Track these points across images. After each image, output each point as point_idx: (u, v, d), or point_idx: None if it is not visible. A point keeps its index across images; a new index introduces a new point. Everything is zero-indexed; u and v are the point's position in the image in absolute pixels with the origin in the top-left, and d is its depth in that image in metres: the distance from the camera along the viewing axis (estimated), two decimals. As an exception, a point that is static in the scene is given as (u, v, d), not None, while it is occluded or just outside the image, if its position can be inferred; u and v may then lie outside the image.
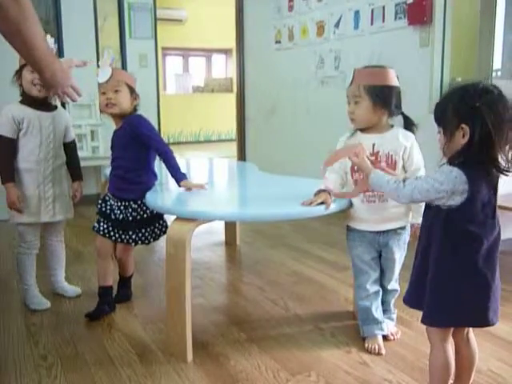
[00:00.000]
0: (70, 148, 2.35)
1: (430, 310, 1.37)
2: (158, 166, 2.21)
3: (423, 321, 1.39)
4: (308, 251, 3.12)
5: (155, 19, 4.91)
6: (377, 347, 1.85)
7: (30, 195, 2.19)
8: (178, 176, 2.04)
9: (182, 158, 2.59)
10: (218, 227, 3.48)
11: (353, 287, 2.14)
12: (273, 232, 3.55)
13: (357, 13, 3.69)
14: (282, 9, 4.43)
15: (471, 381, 1.49)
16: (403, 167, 1.81)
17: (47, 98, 2.18)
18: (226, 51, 11.36)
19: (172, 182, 2.08)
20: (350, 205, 1.87)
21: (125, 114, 2.09)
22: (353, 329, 2.04)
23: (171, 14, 10.00)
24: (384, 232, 1.85)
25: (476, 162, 1.28)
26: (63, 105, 4.29)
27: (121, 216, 2.13)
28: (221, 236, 3.40)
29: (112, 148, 2.18)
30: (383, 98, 1.76)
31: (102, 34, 4.63)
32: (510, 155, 1.29)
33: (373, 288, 1.90)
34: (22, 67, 2.15)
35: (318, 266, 2.84)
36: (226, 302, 2.46)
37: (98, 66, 2.11)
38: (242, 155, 5.33)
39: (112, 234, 2.15)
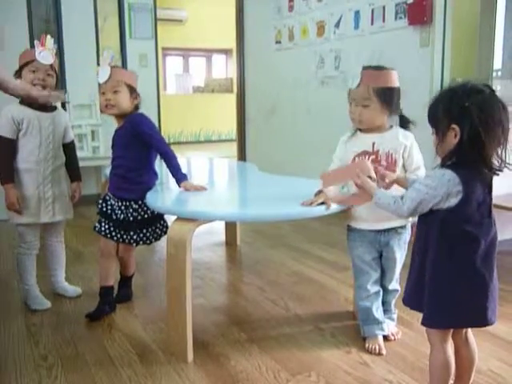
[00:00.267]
0: (69, 149, 2.35)
1: (430, 312, 1.37)
2: (159, 165, 2.21)
3: (423, 323, 1.39)
4: (308, 251, 3.12)
5: (155, 19, 4.91)
6: (377, 347, 1.85)
7: (29, 196, 2.19)
8: (179, 176, 2.04)
9: (182, 157, 2.59)
10: (219, 227, 3.48)
11: (353, 287, 2.14)
12: (273, 232, 3.54)
13: (357, 13, 3.69)
14: (282, 9, 4.43)
15: (471, 381, 1.49)
16: (403, 166, 1.81)
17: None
18: (227, 51, 11.36)
19: (172, 181, 2.08)
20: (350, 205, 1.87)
21: (125, 113, 2.09)
22: (353, 329, 2.04)
23: (171, 14, 10.00)
24: (385, 231, 1.85)
25: (468, 162, 1.28)
26: (63, 105, 4.31)
27: (122, 216, 2.12)
28: (221, 236, 3.40)
29: (113, 147, 2.18)
30: (390, 100, 1.76)
31: (102, 34, 4.63)
32: (504, 155, 1.29)
33: (373, 288, 1.90)
34: (21, 67, 2.15)
35: (318, 266, 2.84)
36: (226, 302, 2.46)
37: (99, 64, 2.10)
38: (242, 155, 5.33)
39: (113, 234, 2.14)
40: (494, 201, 1.37)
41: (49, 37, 2.17)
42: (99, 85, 2.07)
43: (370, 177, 1.55)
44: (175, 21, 10.28)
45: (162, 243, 2.17)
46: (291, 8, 4.33)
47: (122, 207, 2.12)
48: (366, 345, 1.88)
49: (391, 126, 1.84)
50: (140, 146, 2.08)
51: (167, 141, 2.16)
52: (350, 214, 1.89)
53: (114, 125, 2.18)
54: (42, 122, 2.17)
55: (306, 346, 1.93)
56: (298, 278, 2.68)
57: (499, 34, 3.66)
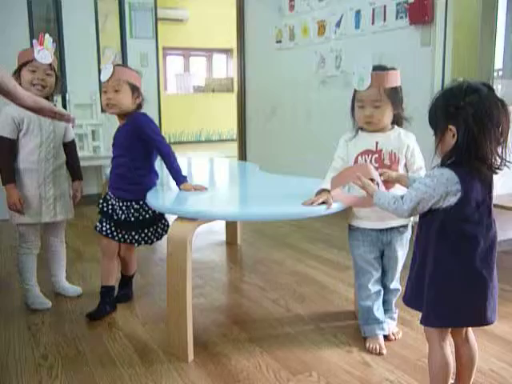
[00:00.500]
0: (69, 148, 2.35)
1: (429, 311, 1.37)
2: (159, 165, 2.21)
3: (422, 321, 1.39)
4: (309, 251, 3.12)
5: (156, 19, 4.92)
6: (378, 347, 1.85)
7: (31, 195, 2.19)
8: (179, 179, 2.05)
9: (183, 157, 2.59)
10: (219, 227, 3.48)
11: (353, 287, 2.14)
12: (274, 232, 3.54)
13: (358, 12, 3.69)
14: (282, 8, 4.43)
15: (472, 381, 1.49)
16: (405, 165, 1.82)
17: (47, 98, 2.18)
18: (227, 51, 11.36)
19: (173, 181, 2.08)
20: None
21: (127, 112, 2.09)
22: (354, 328, 2.04)
23: (173, 13, 10.00)
24: (387, 230, 1.85)
25: (466, 162, 1.28)
26: (64, 105, 4.31)
27: (123, 217, 2.12)
28: (222, 236, 3.40)
29: (114, 145, 2.17)
30: (398, 99, 1.78)
31: (103, 34, 4.63)
32: (504, 153, 1.29)
33: (374, 288, 1.90)
34: (20, 67, 2.14)
35: (319, 266, 2.83)
36: (226, 302, 2.46)
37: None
38: (242, 155, 5.33)
39: (115, 234, 2.14)
40: (496, 201, 1.37)
41: (47, 35, 2.16)
42: (102, 83, 2.07)
43: (372, 180, 1.55)
44: (176, 20, 10.28)
45: (163, 243, 2.17)
46: (292, 7, 4.33)
47: (123, 207, 2.12)
48: (367, 344, 1.88)
49: (393, 126, 1.84)
50: (142, 146, 2.08)
51: (168, 141, 2.16)
52: (352, 213, 1.89)
53: (115, 124, 2.17)
54: (43, 122, 2.17)
55: (307, 345, 1.93)
56: (298, 277, 2.67)
57: (500, 33, 3.65)
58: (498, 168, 1.30)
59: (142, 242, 2.18)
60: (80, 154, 2.44)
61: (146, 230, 2.16)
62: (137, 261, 2.44)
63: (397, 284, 1.96)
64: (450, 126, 1.28)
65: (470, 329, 1.45)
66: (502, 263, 1.84)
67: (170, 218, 1.92)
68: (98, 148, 4.52)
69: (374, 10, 3.55)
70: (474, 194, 1.29)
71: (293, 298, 2.39)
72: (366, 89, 1.74)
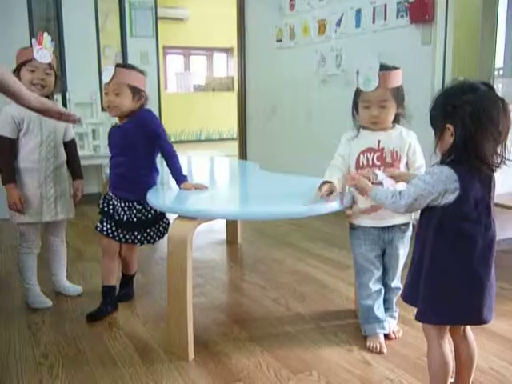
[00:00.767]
0: (70, 147, 2.35)
1: (424, 307, 1.37)
2: (159, 163, 2.21)
3: (417, 317, 1.40)
4: (309, 250, 3.12)
5: (156, 18, 4.91)
6: (378, 346, 1.85)
7: (31, 195, 2.19)
8: (180, 178, 2.04)
9: (183, 156, 2.58)
10: (220, 226, 3.48)
11: (354, 286, 2.14)
12: (274, 231, 3.54)
13: (358, 11, 3.68)
14: (283, 7, 4.43)
15: (472, 379, 1.49)
16: (406, 164, 1.82)
17: (47, 97, 2.17)
18: (228, 50, 11.36)
19: (173, 180, 2.08)
20: (353, 202, 1.86)
21: (127, 114, 2.08)
22: (354, 327, 2.04)
23: (173, 12, 10.00)
24: (389, 228, 1.85)
25: (465, 160, 1.28)
26: (64, 104, 4.31)
27: (125, 217, 2.11)
28: (222, 235, 3.40)
29: (109, 145, 2.16)
30: (401, 98, 1.79)
31: (103, 33, 4.63)
32: (504, 152, 1.29)
33: (375, 286, 1.90)
34: (19, 66, 2.13)
35: (320, 265, 2.83)
36: (227, 301, 2.46)
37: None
38: (243, 154, 5.33)
39: (116, 234, 2.14)
40: (495, 199, 1.37)
41: (46, 34, 2.14)
42: (104, 84, 2.06)
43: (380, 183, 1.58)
44: (176, 19, 10.28)
45: (163, 242, 2.16)
46: (292, 7, 4.32)
47: (125, 208, 2.11)
48: (367, 343, 1.88)
49: (394, 124, 1.84)
50: (144, 144, 2.07)
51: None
52: (353, 211, 1.88)
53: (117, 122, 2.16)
54: (43, 121, 2.16)
55: (307, 344, 1.93)
56: (299, 276, 2.67)
57: (501, 31, 3.64)
58: (498, 166, 1.30)
59: (145, 242, 2.18)
60: (80, 153, 2.43)
61: (148, 230, 2.15)
62: (137, 260, 2.44)
63: (398, 283, 1.96)
64: (448, 125, 1.29)
65: (468, 327, 1.45)
66: (501, 262, 1.84)
67: (171, 217, 1.92)
68: (99, 147, 4.52)
69: (374, 9, 3.54)
70: (473, 192, 1.29)
71: (293, 296, 2.40)
72: (374, 89, 1.74)
